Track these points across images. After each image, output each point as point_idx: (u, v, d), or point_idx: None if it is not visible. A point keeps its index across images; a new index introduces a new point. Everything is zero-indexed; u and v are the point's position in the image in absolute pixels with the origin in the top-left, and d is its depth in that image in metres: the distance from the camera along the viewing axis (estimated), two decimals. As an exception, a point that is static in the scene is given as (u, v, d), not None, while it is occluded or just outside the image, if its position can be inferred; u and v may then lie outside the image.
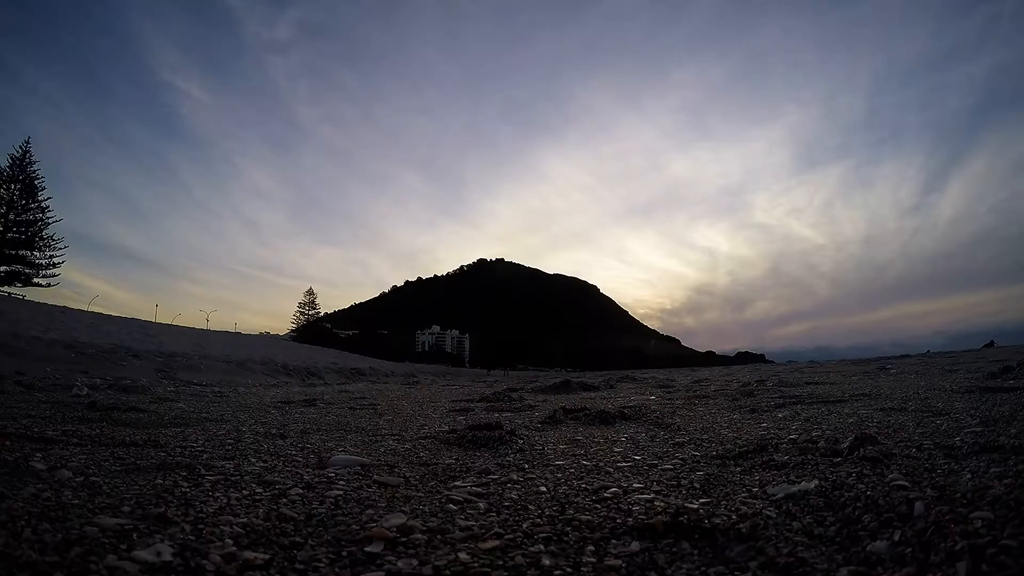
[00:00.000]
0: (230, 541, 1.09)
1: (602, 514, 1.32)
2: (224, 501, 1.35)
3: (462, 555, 1.07)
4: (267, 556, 1.03)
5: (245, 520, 1.22)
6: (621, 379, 10.08)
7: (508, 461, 2.00)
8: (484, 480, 1.68)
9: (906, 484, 1.29)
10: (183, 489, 1.44)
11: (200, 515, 1.23)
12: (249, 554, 1.03)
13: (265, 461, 1.89)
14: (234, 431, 2.65)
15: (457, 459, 2.04)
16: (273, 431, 2.70)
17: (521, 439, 2.44)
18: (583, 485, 1.61)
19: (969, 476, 1.31)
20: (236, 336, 37.10)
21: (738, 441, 2.24)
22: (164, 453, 1.95)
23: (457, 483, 1.65)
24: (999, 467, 1.37)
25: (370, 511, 1.33)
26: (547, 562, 1.05)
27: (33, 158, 40.06)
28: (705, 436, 2.46)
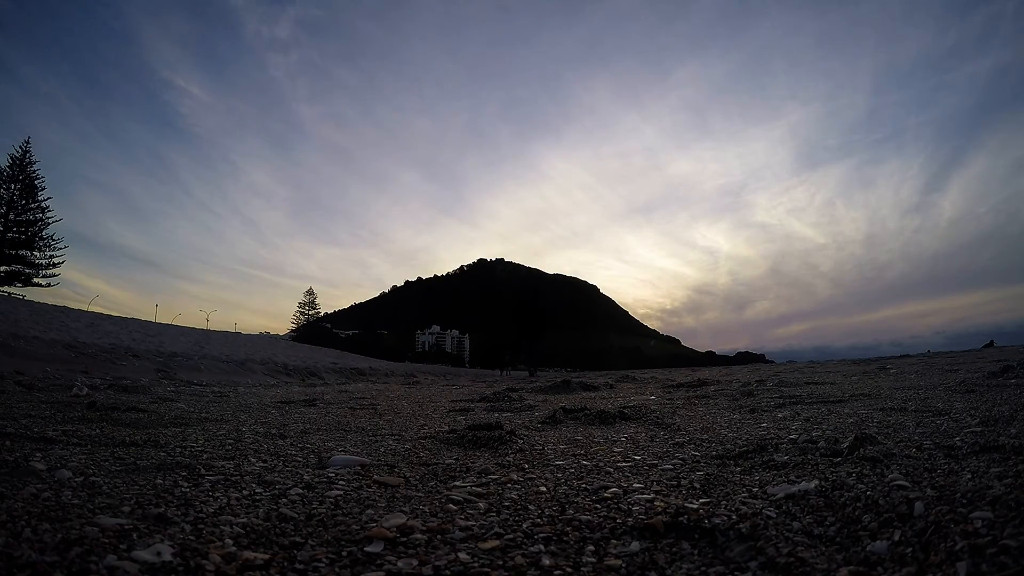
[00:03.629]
0: (230, 541, 1.09)
1: (602, 514, 1.32)
2: (224, 501, 1.35)
3: (462, 555, 1.08)
4: (267, 556, 1.03)
5: (245, 520, 1.22)
6: (621, 379, 10.09)
7: (508, 461, 2.00)
8: (484, 480, 1.68)
9: (906, 484, 1.29)
10: (183, 489, 1.44)
11: (200, 515, 1.23)
12: (249, 554, 1.03)
13: (265, 461, 1.89)
14: (234, 431, 2.65)
15: (457, 459, 2.04)
16: (273, 431, 2.70)
17: (521, 439, 2.44)
18: (583, 485, 1.61)
19: (969, 476, 1.31)
20: (236, 336, 37.12)
21: (738, 441, 2.24)
22: (164, 453, 1.95)
23: (457, 483, 1.65)
24: (999, 467, 1.37)
25: (370, 511, 1.33)
26: (547, 562, 1.05)
27: (33, 158, 40.07)
28: (705, 436, 2.46)
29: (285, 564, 1.01)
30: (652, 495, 1.46)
